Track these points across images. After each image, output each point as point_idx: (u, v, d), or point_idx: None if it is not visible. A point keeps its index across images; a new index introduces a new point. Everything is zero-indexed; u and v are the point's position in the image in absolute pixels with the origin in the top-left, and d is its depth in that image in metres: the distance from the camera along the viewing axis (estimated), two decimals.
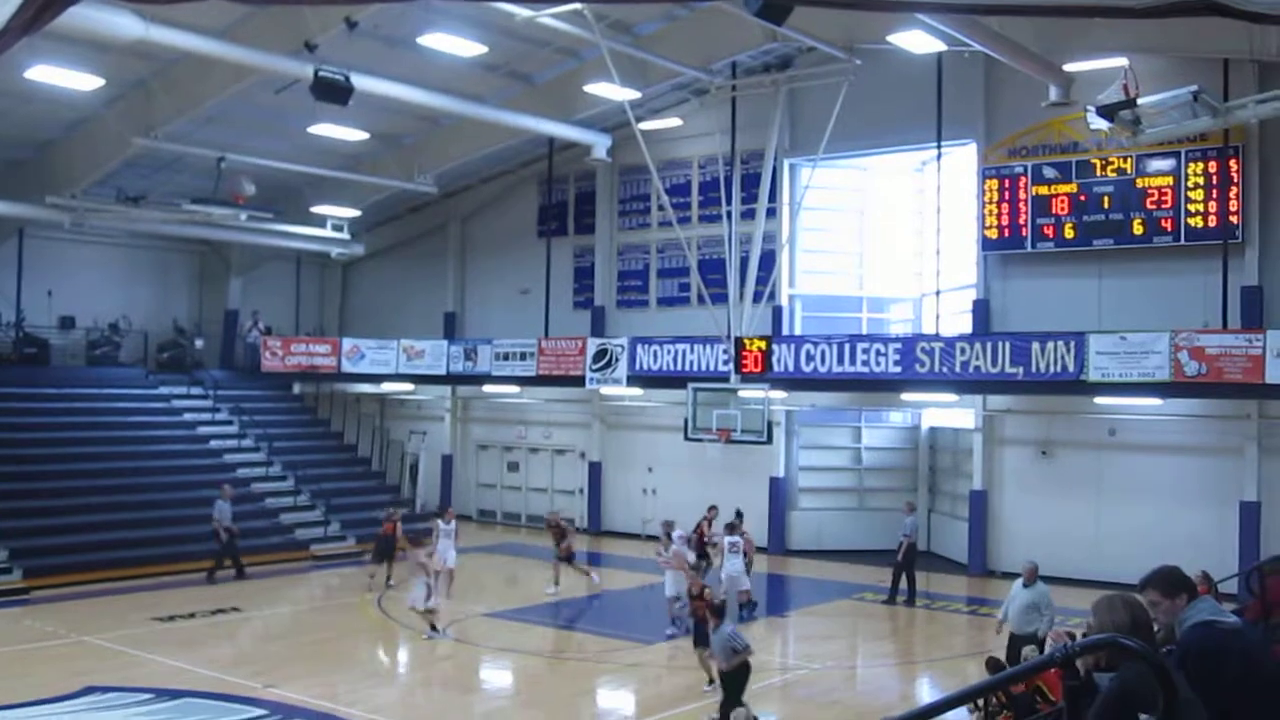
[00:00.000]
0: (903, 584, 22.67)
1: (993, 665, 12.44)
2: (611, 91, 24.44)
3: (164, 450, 28.51)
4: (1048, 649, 13.52)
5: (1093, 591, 5.83)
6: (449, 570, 22.06)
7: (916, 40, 20.90)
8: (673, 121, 29.52)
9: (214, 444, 29.80)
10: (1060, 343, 22.45)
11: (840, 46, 24.25)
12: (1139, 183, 23.86)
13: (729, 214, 27.31)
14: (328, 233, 31.65)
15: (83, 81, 21.58)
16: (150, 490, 26.48)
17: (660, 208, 29.95)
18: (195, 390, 31.70)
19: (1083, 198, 24.47)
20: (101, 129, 25.36)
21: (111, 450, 27.46)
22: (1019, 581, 15.55)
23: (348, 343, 32.16)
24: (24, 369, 29.54)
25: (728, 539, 20.97)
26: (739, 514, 22.07)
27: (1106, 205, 24.18)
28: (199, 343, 33.87)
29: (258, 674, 16.46)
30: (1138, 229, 23.84)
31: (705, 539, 22.61)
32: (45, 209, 26.83)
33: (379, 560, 23.61)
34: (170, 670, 16.70)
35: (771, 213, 28.34)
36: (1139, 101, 18.23)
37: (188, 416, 30.54)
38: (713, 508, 23.87)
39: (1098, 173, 24.33)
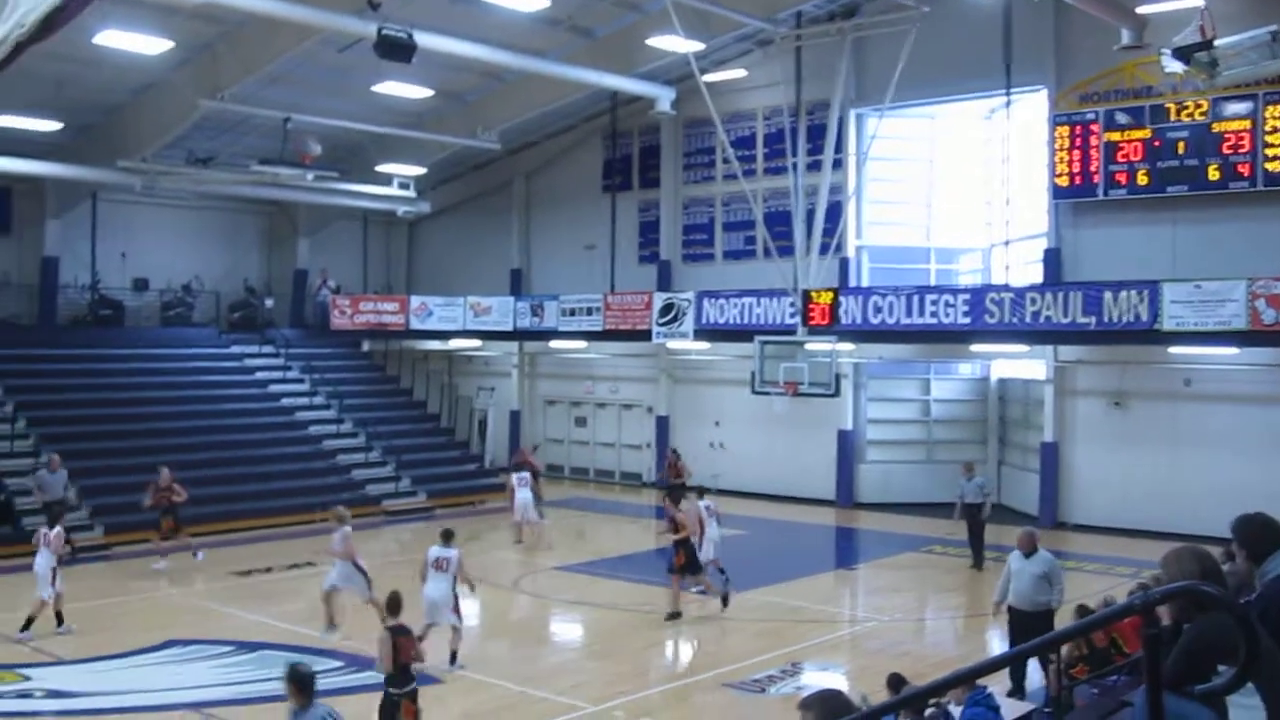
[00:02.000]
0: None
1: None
2: (675, 44, 24.24)
3: (237, 409, 28.96)
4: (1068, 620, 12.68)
5: (1165, 544, 5.74)
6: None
7: None
8: (737, 73, 29.27)
9: (285, 402, 30.26)
10: (1133, 292, 22.11)
11: None
12: (1215, 127, 23.28)
13: (794, 166, 27.03)
14: (393, 191, 31.81)
15: (151, 45, 21.78)
16: (224, 448, 26.89)
17: (725, 160, 29.76)
18: (266, 349, 32.16)
19: (1157, 143, 23.92)
20: (169, 92, 25.62)
21: (186, 409, 27.91)
22: (1015, 554, 13.81)
23: (415, 300, 32.44)
24: (100, 330, 30.23)
25: (702, 503, 19.21)
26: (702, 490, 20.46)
27: (1181, 151, 23.62)
28: (269, 302, 34.24)
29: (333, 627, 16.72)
30: (1213, 174, 23.29)
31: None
32: (117, 172, 27.20)
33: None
34: (249, 623, 17.07)
35: (838, 164, 28.00)
36: (1216, 43, 17.73)
37: (260, 375, 30.99)
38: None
39: (1172, 118, 23.76)
